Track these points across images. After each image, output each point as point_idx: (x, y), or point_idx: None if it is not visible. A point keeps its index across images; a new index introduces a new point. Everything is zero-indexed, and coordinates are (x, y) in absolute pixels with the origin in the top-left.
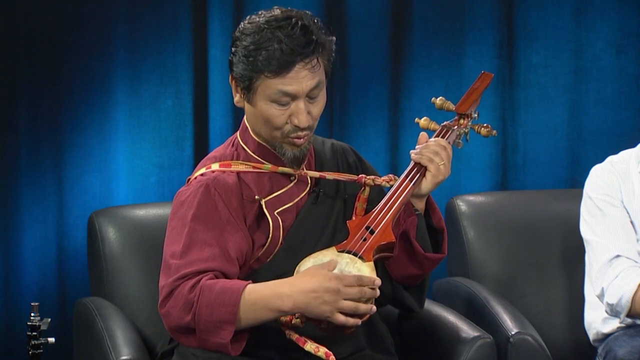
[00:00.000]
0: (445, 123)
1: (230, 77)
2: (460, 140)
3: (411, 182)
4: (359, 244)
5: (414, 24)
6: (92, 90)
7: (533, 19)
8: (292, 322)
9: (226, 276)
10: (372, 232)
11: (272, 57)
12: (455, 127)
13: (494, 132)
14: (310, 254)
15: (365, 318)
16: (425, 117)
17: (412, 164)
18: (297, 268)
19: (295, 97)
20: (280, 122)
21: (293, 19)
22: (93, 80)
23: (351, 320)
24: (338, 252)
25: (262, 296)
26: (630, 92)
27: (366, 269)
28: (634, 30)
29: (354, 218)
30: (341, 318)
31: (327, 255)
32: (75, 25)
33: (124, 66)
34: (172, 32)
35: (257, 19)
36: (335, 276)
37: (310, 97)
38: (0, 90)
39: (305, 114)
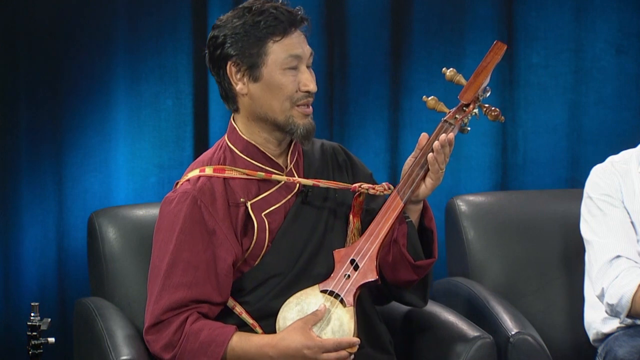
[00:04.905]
0: (446, 117)
1: (227, 66)
2: (467, 127)
3: (402, 199)
4: (341, 283)
5: (414, 24)
6: (92, 90)
7: (533, 19)
8: None
9: (210, 304)
10: (356, 268)
11: (276, 19)
12: (456, 119)
13: (502, 118)
14: (301, 255)
15: None
16: (433, 97)
17: (406, 172)
18: (280, 311)
19: (301, 61)
20: (292, 90)
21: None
22: (93, 80)
23: None
24: (320, 291)
25: (246, 353)
26: (630, 92)
27: (345, 316)
28: (634, 30)
29: (351, 218)
30: None
31: (309, 295)
32: (75, 25)
33: (124, 66)
34: (172, 32)
35: (234, 12)
36: (314, 344)
37: (307, 65)
38: (0, 90)
39: (313, 78)
